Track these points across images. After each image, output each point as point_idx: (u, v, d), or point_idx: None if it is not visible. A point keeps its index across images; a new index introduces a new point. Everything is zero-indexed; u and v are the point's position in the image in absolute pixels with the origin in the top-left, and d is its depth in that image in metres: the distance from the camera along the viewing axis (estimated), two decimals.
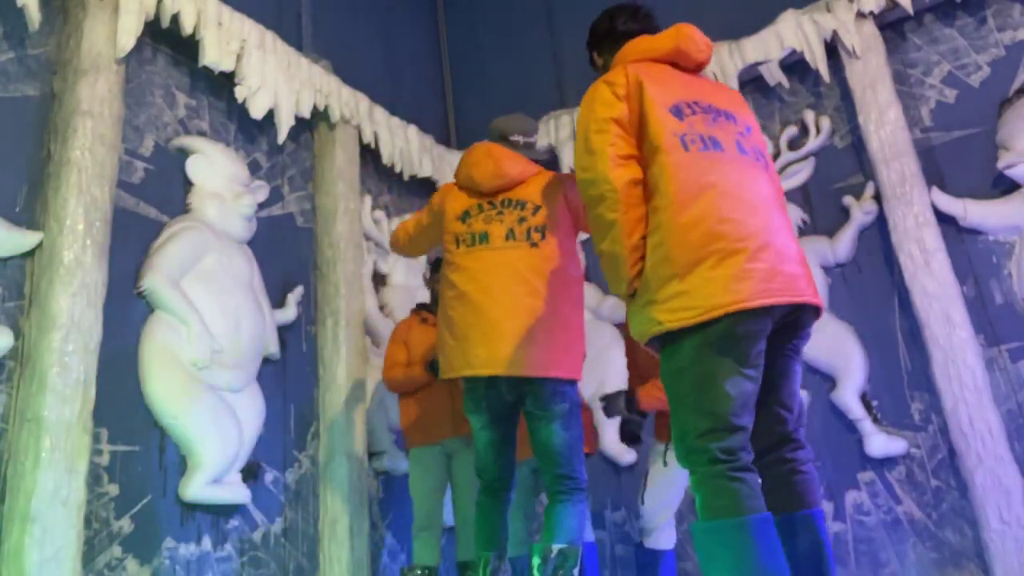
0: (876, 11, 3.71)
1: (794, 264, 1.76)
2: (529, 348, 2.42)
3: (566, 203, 2.64)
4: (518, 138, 2.87)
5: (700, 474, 1.67)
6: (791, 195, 3.83)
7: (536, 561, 2.37)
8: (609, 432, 3.95)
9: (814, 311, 1.82)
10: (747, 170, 1.83)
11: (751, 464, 1.67)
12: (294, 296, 3.59)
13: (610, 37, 2.14)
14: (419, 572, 3.00)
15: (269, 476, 3.23)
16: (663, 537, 2.80)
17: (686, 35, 1.99)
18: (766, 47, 3.88)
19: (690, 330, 1.70)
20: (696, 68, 2.03)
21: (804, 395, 3.37)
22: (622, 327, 3.18)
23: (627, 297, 1.86)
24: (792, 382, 1.82)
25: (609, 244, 1.83)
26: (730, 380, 1.66)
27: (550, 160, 4.55)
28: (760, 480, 1.70)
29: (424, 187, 4.71)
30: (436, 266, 3.21)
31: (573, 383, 2.52)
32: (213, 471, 2.91)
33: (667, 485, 2.75)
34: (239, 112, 3.60)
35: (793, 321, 1.79)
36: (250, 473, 3.12)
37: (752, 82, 4.05)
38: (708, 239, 1.71)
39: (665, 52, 1.98)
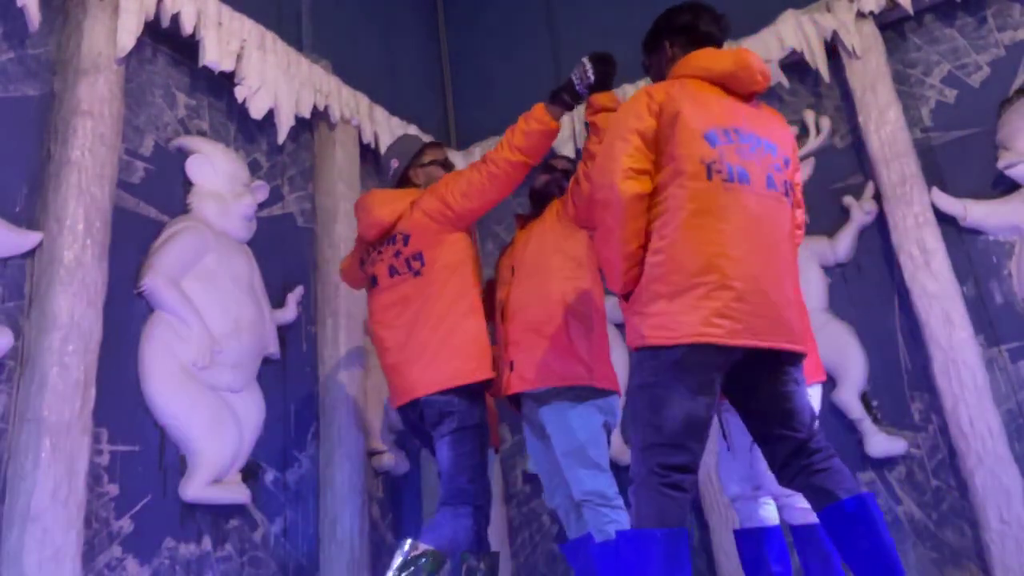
0: (876, 11, 3.71)
1: (786, 310, 1.83)
2: (416, 372, 2.59)
3: (426, 217, 2.68)
4: (394, 165, 2.96)
5: (636, 484, 1.80)
6: None
7: (399, 560, 2.36)
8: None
9: (799, 357, 1.90)
10: (767, 208, 1.88)
11: (686, 485, 1.78)
12: (294, 296, 3.59)
13: (690, 33, 2.11)
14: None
15: (269, 476, 3.23)
16: (743, 514, 2.60)
17: (745, 63, 2.00)
18: (766, 47, 3.88)
19: (663, 350, 1.80)
20: (747, 97, 2.03)
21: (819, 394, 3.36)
22: (622, 328, 3.17)
23: (622, 298, 1.96)
24: (795, 406, 1.88)
25: (607, 249, 1.94)
26: (680, 406, 1.77)
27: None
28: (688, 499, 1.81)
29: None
30: None
31: (460, 391, 2.56)
32: (213, 471, 2.91)
33: (727, 457, 2.61)
34: (239, 112, 3.60)
35: (774, 361, 1.87)
36: (250, 473, 3.12)
37: None
38: (704, 270, 1.79)
39: (720, 74, 2.00)
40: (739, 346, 1.77)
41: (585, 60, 2.56)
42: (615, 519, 2.49)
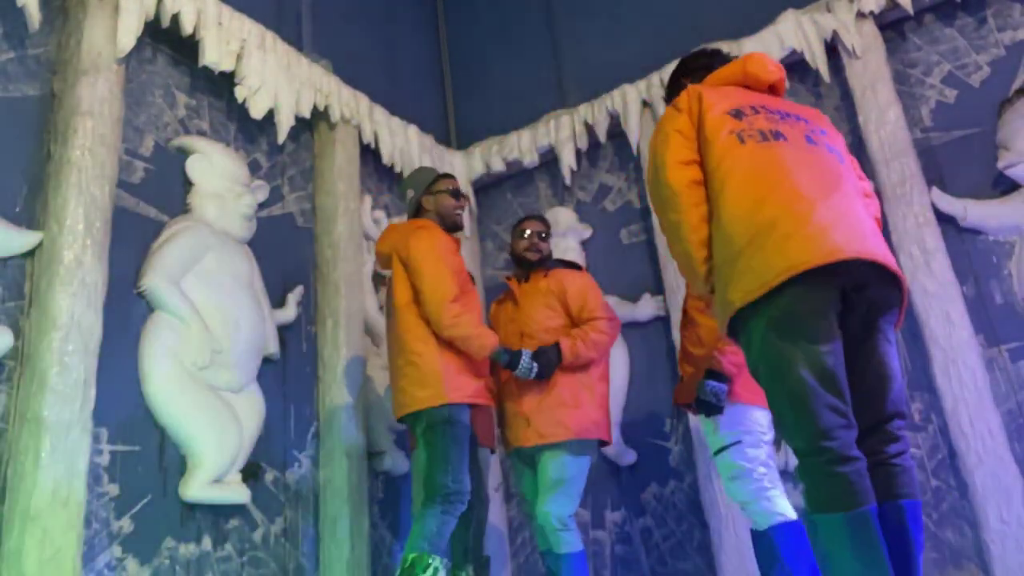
0: (876, 11, 3.71)
1: (864, 224, 1.70)
2: (393, 397, 2.87)
3: (400, 261, 2.88)
4: (410, 195, 3.13)
5: (801, 462, 1.63)
6: None
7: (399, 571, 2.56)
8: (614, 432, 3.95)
9: (896, 285, 1.71)
10: (814, 153, 1.81)
11: (853, 447, 1.58)
12: (294, 296, 3.59)
13: (705, 71, 2.17)
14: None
15: (269, 476, 3.23)
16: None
17: (754, 60, 2.05)
18: (766, 47, 3.87)
19: (756, 311, 1.66)
20: (769, 89, 2.06)
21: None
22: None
23: (708, 294, 1.86)
24: (888, 371, 1.71)
25: (678, 244, 1.88)
26: (803, 362, 1.60)
27: (551, 160, 4.56)
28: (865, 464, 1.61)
29: None
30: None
31: (432, 409, 2.71)
32: (213, 471, 2.91)
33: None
34: (239, 112, 3.60)
35: (870, 296, 1.69)
36: (250, 473, 3.12)
37: None
38: (767, 210, 1.69)
39: (734, 76, 2.04)
40: (834, 261, 1.59)
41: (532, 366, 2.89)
42: None
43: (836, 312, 1.65)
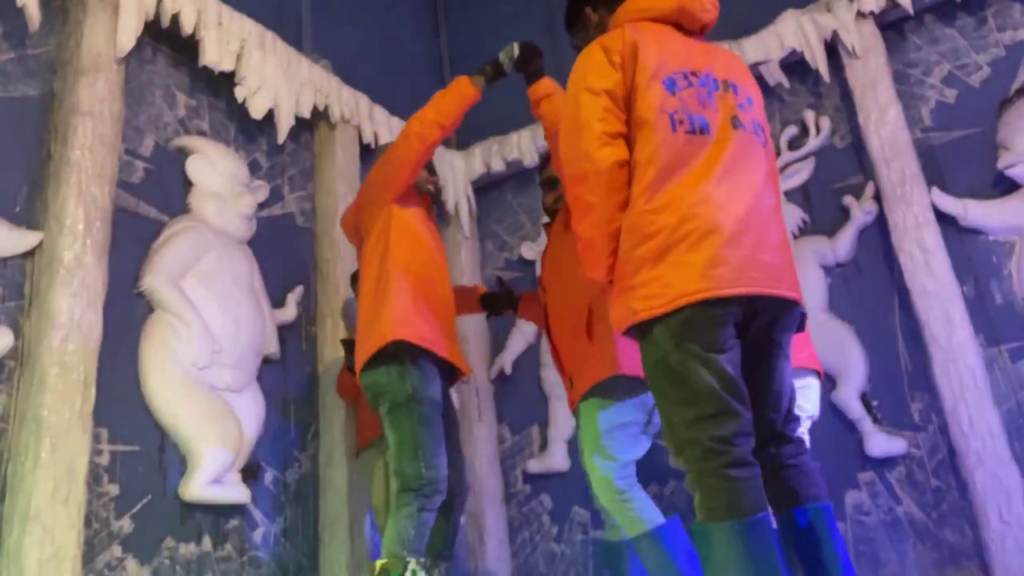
0: (876, 11, 3.71)
1: (775, 253, 1.65)
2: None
3: (356, 205, 2.80)
4: None
5: (694, 471, 1.57)
6: (791, 195, 3.83)
7: None
8: None
9: (796, 307, 1.69)
10: (739, 149, 1.70)
11: (750, 455, 1.54)
12: (294, 296, 3.59)
13: None
14: None
15: (269, 476, 3.23)
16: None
17: None
18: (766, 47, 3.88)
19: (661, 318, 1.59)
20: (701, 29, 1.88)
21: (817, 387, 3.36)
22: None
23: (605, 284, 1.75)
24: (776, 379, 1.70)
25: (587, 228, 1.72)
26: (705, 367, 1.55)
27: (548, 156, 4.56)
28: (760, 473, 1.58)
29: None
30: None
31: (380, 363, 2.44)
32: (213, 471, 2.91)
33: None
34: (239, 112, 3.60)
35: (772, 316, 1.68)
36: (250, 473, 3.12)
37: None
38: (683, 220, 1.59)
39: (667, 11, 1.81)
40: (738, 295, 1.56)
41: (514, 44, 2.62)
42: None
43: (736, 324, 1.62)
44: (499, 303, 3.06)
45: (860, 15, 3.74)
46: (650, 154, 1.65)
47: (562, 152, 1.77)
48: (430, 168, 2.95)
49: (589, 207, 1.70)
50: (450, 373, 2.65)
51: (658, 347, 1.61)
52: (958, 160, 3.51)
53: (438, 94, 2.68)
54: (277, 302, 3.52)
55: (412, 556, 2.30)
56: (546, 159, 2.86)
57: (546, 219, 2.92)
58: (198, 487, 2.86)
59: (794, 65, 3.91)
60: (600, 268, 1.73)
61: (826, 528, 1.62)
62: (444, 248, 2.91)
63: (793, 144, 3.92)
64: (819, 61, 3.80)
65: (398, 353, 2.45)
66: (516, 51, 2.59)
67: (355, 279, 3.25)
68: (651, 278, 1.61)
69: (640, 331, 1.66)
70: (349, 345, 2.98)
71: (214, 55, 3.36)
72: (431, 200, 2.93)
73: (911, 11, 3.67)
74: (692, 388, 1.56)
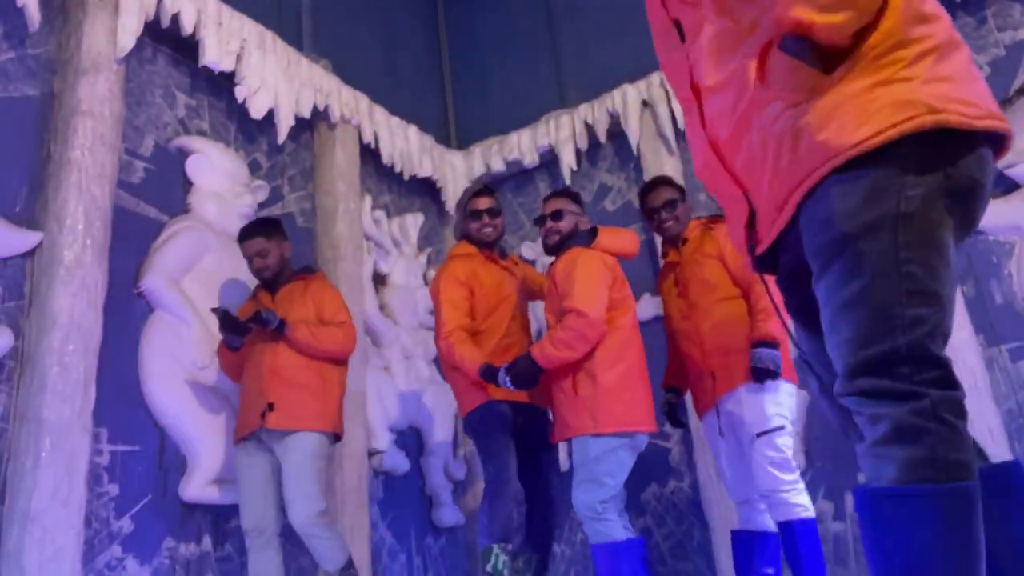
0: None
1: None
2: None
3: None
4: (457, 217, 3.14)
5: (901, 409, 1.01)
6: None
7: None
8: None
9: None
10: None
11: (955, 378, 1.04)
12: None
13: None
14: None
15: None
16: (744, 517, 2.63)
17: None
18: None
19: (930, 151, 1.04)
20: None
21: (803, 395, 3.36)
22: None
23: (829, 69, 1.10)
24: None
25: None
26: (950, 252, 1.05)
27: (551, 160, 4.56)
28: None
29: (424, 187, 4.71)
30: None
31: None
32: (213, 471, 2.91)
33: (735, 462, 2.62)
34: (239, 112, 3.60)
35: None
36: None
37: None
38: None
39: None
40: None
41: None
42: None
43: None
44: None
45: None
46: None
47: None
48: (476, 214, 2.97)
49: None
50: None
51: (904, 198, 1.05)
52: None
53: None
54: None
55: (500, 542, 2.65)
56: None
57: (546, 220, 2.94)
58: (198, 487, 2.86)
59: None
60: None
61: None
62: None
63: None
64: None
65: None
66: (510, 385, 2.73)
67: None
68: (942, 76, 1.08)
69: (867, 160, 1.06)
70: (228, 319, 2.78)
71: (214, 55, 3.36)
72: (486, 243, 3.02)
73: None
74: (931, 275, 1.06)
